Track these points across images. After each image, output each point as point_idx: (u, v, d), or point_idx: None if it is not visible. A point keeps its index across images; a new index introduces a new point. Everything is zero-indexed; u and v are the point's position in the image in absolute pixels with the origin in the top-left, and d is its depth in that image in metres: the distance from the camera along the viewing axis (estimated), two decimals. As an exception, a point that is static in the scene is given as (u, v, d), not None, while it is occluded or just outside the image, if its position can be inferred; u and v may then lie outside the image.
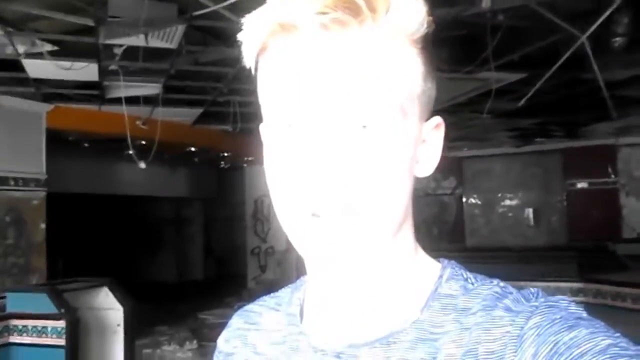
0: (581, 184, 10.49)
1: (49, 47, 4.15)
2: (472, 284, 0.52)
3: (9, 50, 4.09)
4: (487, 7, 3.23)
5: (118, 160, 8.16)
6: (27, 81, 4.95)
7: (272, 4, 0.47)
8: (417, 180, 0.52)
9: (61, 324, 4.00)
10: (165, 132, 5.91)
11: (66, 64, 4.39)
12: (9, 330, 4.13)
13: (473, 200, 11.61)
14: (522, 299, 0.49)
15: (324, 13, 0.44)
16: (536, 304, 0.47)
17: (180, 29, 3.80)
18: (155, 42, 3.93)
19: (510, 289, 0.51)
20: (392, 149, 0.47)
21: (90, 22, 3.62)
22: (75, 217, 9.86)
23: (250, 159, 9.09)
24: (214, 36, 4.36)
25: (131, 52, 4.35)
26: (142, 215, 11.84)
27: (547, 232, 10.85)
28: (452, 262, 0.56)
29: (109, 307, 4.58)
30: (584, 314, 0.46)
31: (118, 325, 4.54)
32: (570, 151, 10.30)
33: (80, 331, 4.15)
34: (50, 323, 4.04)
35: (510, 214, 11.33)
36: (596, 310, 4.40)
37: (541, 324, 0.44)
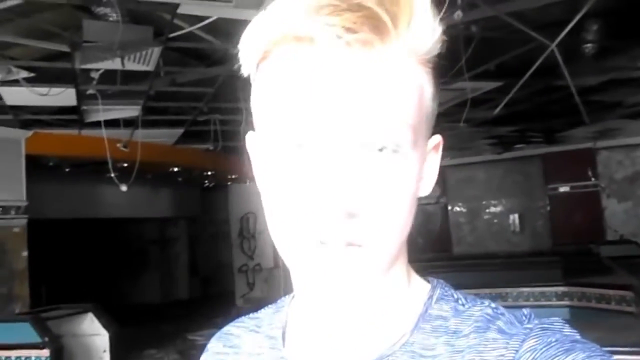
0: (563, 188, 10.63)
1: (24, 74, 4.12)
2: (463, 305, 0.50)
3: (-16, 78, 4.07)
4: (460, 19, 3.29)
5: (99, 184, 8.08)
6: (4, 108, 4.90)
7: (282, 9, 0.43)
8: None
9: (45, 353, 3.92)
10: (146, 154, 5.88)
11: (43, 90, 4.37)
12: (-9, 363, 4.05)
13: (458, 209, 11.70)
14: (515, 321, 0.47)
15: (349, 30, 0.40)
16: (530, 326, 0.46)
17: (156, 51, 3.81)
18: (132, 65, 3.93)
19: (502, 310, 0.49)
20: (406, 175, 0.45)
21: (65, 48, 3.62)
22: (57, 242, 9.71)
23: (234, 176, 9.08)
24: (191, 56, 4.38)
25: (108, 76, 4.34)
26: (126, 237, 11.71)
27: (531, 237, 10.96)
28: (441, 281, 0.54)
29: (94, 333, 4.51)
30: (579, 337, 0.45)
31: (104, 351, 4.47)
32: (550, 156, 10.45)
33: (66, 359, 4.08)
34: (34, 353, 3.96)
35: (495, 221, 11.43)
36: (581, 313, 4.43)
37: (536, 347, 0.43)
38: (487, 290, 4.89)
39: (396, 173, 0.44)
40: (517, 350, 0.44)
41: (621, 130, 8.93)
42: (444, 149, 0.54)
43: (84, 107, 5.06)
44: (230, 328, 0.62)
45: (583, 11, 3.10)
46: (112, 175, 5.58)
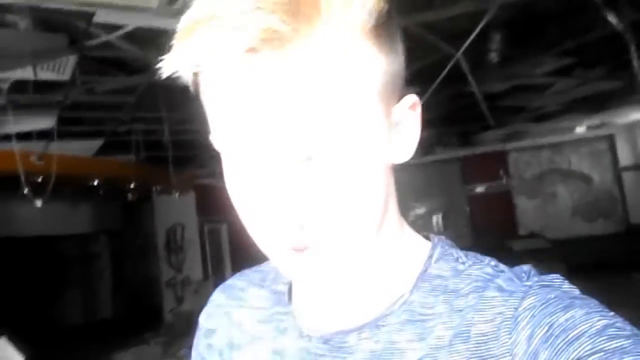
0: (479, 189, 11.24)
1: None
2: (463, 263, 0.50)
3: None
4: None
5: (11, 200, 7.62)
6: None
7: (197, 25, 0.40)
8: None
9: (-45, 382, 3.66)
10: (64, 167, 5.64)
11: (-55, 101, 4.10)
12: None
13: (383, 212, 12.02)
14: (515, 278, 0.46)
15: (251, 50, 0.39)
16: (529, 283, 0.45)
17: (72, 59, 3.69)
18: (46, 74, 3.78)
19: (502, 267, 0.49)
20: (346, 178, 0.43)
21: (-30, 57, 3.43)
22: (-35, 265, 9.04)
23: (159, 188, 8.85)
24: (110, 65, 4.28)
25: (20, 85, 4.15)
26: (43, 255, 11.07)
27: (454, 236, 11.38)
28: (442, 238, 0.54)
29: (8, 359, 4.25)
30: (578, 293, 0.44)
31: (22, 376, 4.22)
32: (467, 159, 11.03)
33: (-21, 387, 3.82)
34: (-59, 383, 3.69)
35: (419, 223, 11.87)
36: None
37: (535, 304, 0.43)
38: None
39: (331, 181, 0.42)
40: (516, 308, 0.43)
41: (527, 133, 9.60)
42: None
43: (-8, 119, 4.79)
44: (235, 281, 0.63)
45: (483, 22, 3.35)
46: (25, 191, 5.29)
